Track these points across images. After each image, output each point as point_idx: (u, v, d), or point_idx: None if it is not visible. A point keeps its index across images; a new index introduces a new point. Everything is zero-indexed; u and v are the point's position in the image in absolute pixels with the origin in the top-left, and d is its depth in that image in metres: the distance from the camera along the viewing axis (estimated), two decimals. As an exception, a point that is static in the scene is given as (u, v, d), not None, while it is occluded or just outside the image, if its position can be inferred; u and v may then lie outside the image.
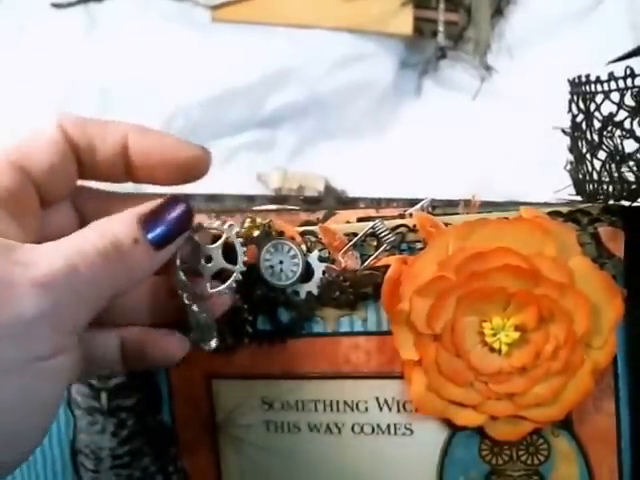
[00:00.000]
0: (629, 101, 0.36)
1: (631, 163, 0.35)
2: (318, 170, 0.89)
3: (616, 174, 0.36)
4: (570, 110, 0.41)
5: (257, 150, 0.90)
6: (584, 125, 0.39)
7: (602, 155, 0.37)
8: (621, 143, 0.36)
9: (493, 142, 0.84)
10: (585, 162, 0.39)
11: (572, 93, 0.41)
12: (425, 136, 0.87)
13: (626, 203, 0.39)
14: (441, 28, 0.84)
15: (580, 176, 0.41)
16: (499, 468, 0.44)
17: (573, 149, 0.41)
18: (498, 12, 0.86)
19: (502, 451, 0.44)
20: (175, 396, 0.48)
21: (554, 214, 0.41)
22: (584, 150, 0.39)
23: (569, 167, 0.43)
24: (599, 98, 0.38)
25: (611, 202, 0.39)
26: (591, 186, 0.39)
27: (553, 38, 0.85)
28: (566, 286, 0.40)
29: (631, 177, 0.35)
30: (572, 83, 0.41)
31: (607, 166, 0.36)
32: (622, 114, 0.36)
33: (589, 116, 0.38)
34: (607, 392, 0.42)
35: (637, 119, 0.35)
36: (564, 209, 0.41)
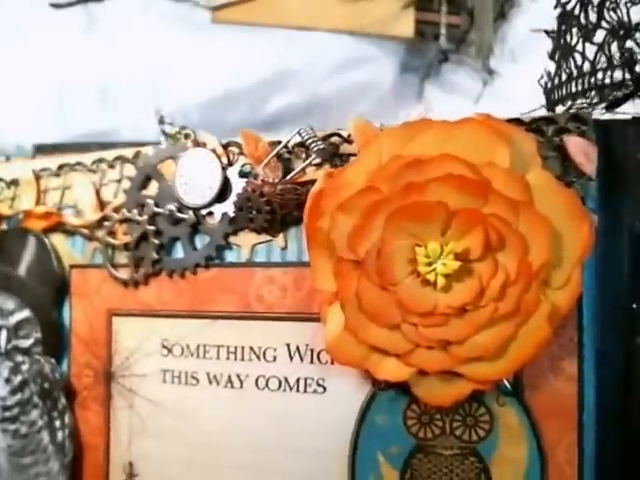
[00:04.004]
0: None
1: (638, 35, 0.28)
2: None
3: (618, 54, 0.28)
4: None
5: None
6: (577, 9, 0.32)
7: (599, 38, 0.30)
8: (627, 13, 0.29)
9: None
10: (572, 56, 0.32)
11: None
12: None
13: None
14: (443, 31, 0.82)
15: (558, 81, 0.33)
16: (427, 444, 0.35)
17: (556, 49, 0.34)
18: (501, 15, 0.85)
19: (432, 421, 0.35)
20: (74, 335, 0.45)
21: (513, 122, 0.34)
22: (574, 41, 0.32)
23: (544, 79, 0.35)
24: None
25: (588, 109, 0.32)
26: (576, 86, 0.31)
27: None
28: (522, 205, 0.31)
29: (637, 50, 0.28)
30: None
31: (606, 48, 0.29)
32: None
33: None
34: (568, 349, 0.33)
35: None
36: (525, 117, 0.34)
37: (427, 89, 0.87)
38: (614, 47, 0.30)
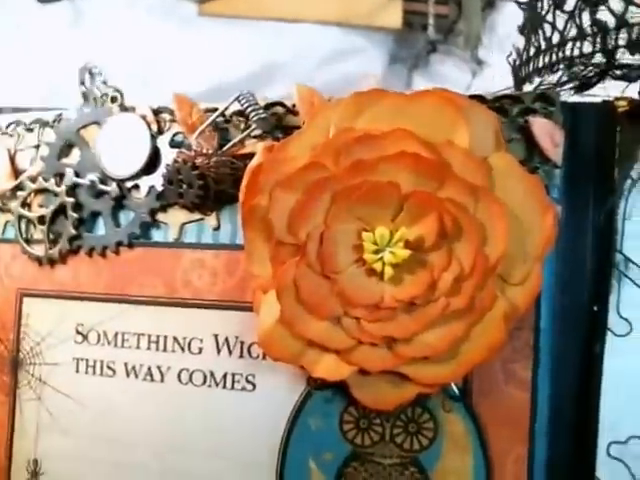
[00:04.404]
0: None
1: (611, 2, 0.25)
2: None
3: (589, 22, 0.26)
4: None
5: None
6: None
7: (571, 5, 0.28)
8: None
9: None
10: (542, 27, 0.29)
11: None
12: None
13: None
14: (431, 21, 0.81)
15: (526, 56, 0.30)
16: (364, 451, 0.32)
17: (526, 21, 0.31)
18: (489, 4, 0.84)
19: (371, 426, 0.32)
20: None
21: (475, 99, 0.30)
22: (544, 9, 0.29)
23: (513, 56, 0.33)
24: None
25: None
26: (543, 59, 0.29)
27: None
28: (481, 191, 0.28)
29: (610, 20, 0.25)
30: None
31: (577, 17, 0.26)
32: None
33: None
34: (523, 353, 0.30)
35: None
36: (488, 95, 0.31)
37: (416, 80, 0.87)
38: (585, 16, 0.27)
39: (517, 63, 0.33)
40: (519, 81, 0.35)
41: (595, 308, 0.30)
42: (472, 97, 0.30)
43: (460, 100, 0.29)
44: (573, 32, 0.29)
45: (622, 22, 0.26)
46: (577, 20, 0.28)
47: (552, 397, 0.30)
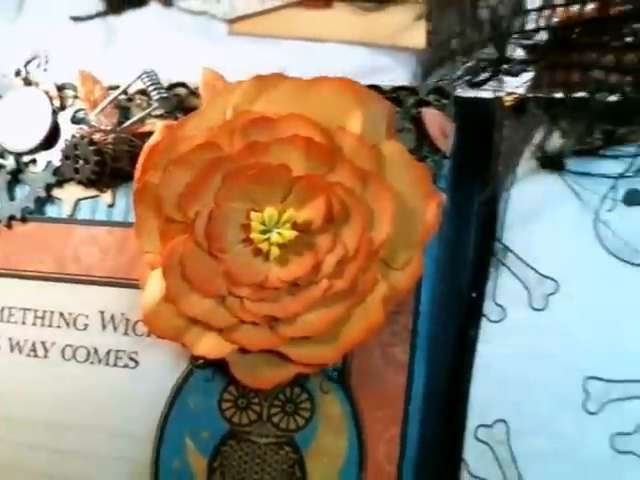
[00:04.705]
0: None
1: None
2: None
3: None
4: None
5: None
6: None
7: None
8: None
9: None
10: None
11: None
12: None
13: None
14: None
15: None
16: (241, 430, 0.32)
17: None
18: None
19: (249, 405, 0.32)
20: None
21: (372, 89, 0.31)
22: None
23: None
24: None
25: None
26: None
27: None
28: (370, 176, 0.29)
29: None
30: None
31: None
32: None
33: None
34: (402, 336, 0.31)
35: None
36: (385, 86, 0.31)
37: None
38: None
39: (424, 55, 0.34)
40: (425, 73, 0.36)
41: (474, 294, 0.31)
42: (370, 87, 0.31)
43: (357, 88, 0.30)
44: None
45: (511, 20, 0.27)
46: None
47: (427, 380, 0.31)
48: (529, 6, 0.28)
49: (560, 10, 0.27)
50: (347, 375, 0.31)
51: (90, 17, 0.71)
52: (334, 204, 0.28)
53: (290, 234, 0.29)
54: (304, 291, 0.29)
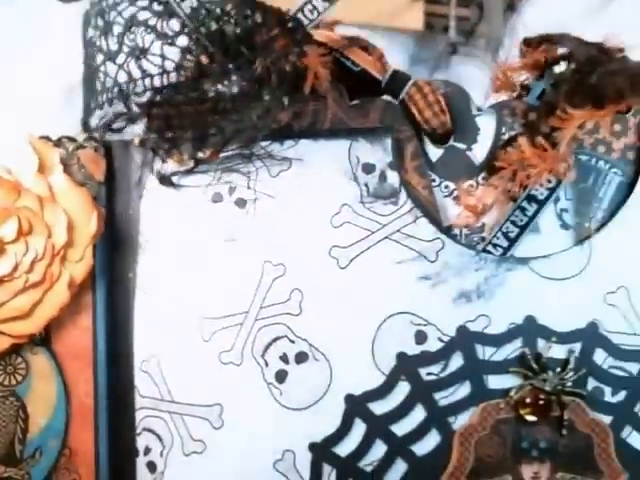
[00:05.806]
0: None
1: (150, 57, 0.39)
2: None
3: (138, 70, 0.40)
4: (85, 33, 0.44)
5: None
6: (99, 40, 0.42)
7: (121, 59, 0.41)
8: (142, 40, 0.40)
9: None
10: (98, 76, 0.42)
11: (88, 14, 0.43)
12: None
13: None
14: (452, 23, 0.78)
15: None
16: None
17: (86, 76, 0.44)
18: (511, 7, 0.83)
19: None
20: None
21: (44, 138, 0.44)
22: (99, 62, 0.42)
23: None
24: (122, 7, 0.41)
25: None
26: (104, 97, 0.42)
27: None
28: (46, 199, 0.42)
29: (154, 70, 0.39)
30: (91, 4, 0.43)
31: (126, 65, 0.40)
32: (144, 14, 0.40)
33: (109, 25, 0.42)
34: (85, 308, 0.45)
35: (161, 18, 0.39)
36: (77, 137, 0.44)
37: (434, 81, 0.88)
38: (133, 65, 0.40)
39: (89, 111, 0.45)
40: (88, 112, 0.45)
41: (130, 275, 0.45)
42: (42, 137, 0.44)
43: (32, 140, 0.42)
44: (121, 77, 0.40)
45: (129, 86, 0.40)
46: (126, 69, 0.41)
47: (107, 337, 0.45)
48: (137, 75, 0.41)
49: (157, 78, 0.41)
50: (49, 339, 0.44)
51: None
52: (23, 222, 0.41)
53: (-7, 245, 0.41)
54: (9, 284, 0.42)
